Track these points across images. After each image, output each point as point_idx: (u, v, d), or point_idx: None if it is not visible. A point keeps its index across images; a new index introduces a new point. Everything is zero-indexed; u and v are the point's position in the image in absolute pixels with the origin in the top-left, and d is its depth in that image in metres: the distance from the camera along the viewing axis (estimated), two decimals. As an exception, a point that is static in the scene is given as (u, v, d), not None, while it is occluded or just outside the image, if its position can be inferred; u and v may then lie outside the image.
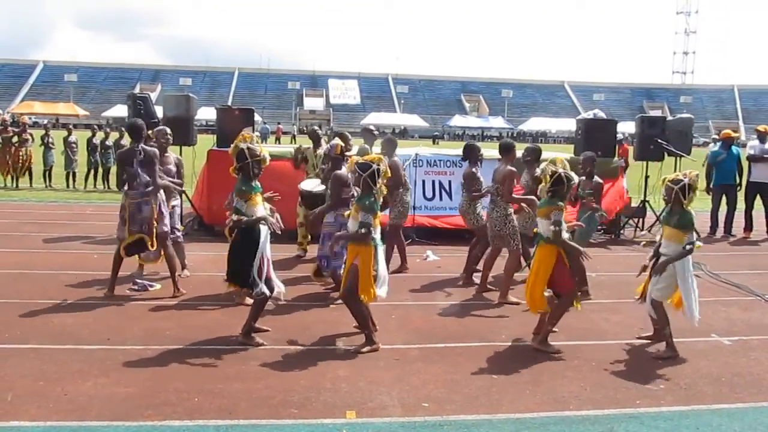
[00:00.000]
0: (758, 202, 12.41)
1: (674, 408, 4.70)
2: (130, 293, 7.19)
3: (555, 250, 5.71)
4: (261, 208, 5.74)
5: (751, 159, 12.43)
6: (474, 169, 7.95)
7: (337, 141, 7.37)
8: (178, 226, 8.10)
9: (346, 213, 5.91)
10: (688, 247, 5.63)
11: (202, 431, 4.15)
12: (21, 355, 5.30)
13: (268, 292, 5.67)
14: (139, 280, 7.51)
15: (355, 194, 6.19)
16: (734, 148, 12.51)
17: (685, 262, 5.68)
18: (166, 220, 7.19)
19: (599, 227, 11.04)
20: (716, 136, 15.75)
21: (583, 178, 7.67)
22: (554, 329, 6.01)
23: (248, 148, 5.70)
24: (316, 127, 9.44)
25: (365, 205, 5.51)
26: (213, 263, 8.03)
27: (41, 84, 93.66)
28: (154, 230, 6.98)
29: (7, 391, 4.59)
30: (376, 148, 8.86)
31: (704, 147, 43.14)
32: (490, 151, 9.27)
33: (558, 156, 6.00)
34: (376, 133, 9.56)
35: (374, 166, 5.58)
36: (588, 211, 7.69)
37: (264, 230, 5.72)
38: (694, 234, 5.81)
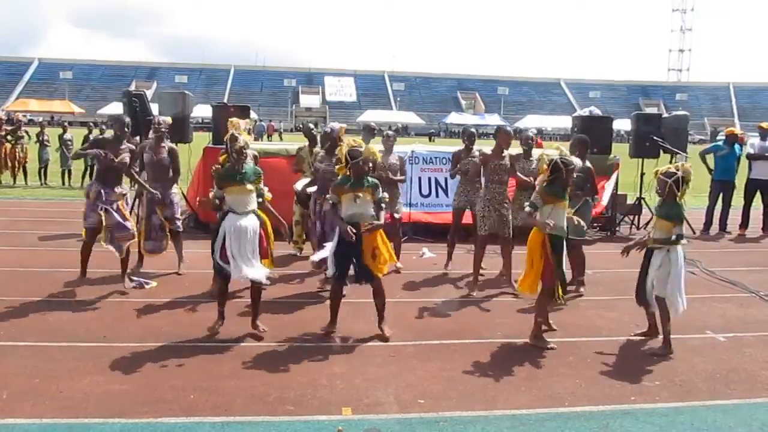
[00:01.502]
0: (756, 199, 12.44)
1: (669, 404, 4.72)
2: (129, 290, 7.19)
3: (540, 237, 5.75)
4: (237, 198, 5.72)
5: (751, 158, 12.47)
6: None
7: (339, 125, 7.48)
8: (178, 216, 8.07)
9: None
10: (674, 237, 5.65)
11: (198, 428, 4.15)
12: (16, 353, 5.30)
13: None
14: (135, 278, 7.51)
15: None
16: (737, 147, 12.57)
17: (677, 255, 5.71)
18: (115, 216, 6.93)
19: (594, 224, 11.07)
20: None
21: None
22: (554, 328, 6.07)
23: (230, 135, 5.80)
24: (311, 125, 9.40)
25: (373, 184, 5.74)
26: (208, 261, 7.97)
27: (36, 81, 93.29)
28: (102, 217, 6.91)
29: (2, 388, 4.59)
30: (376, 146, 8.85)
31: (700, 144, 43.31)
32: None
33: (555, 144, 6.03)
34: (376, 131, 9.55)
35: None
36: (580, 201, 7.58)
37: (229, 218, 5.73)
38: (683, 228, 5.81)
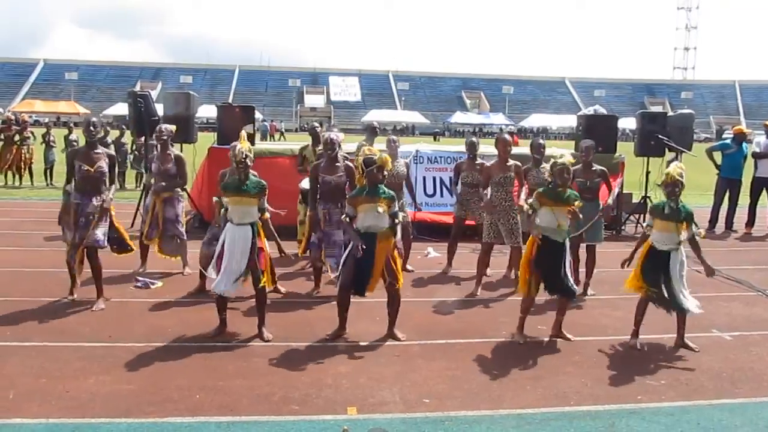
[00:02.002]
0: (763, 197, 12.40)
1: (675, 403, 4.70)
2: (134, 290, 7.21)
3: (532, 239, 5.85)
4: (237, 209, 5.67)
5: (756, 156, 12.45)
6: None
7: (341, 134, 7.41)
8: (181, 219, 8.08)
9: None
10: (697, 234, 5.73)
11: (203, 428, 4.16)
12: (23, 353, 5.31)
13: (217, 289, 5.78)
14: (140, 278, 7.53)
15: None
16: (744, 145, 12.53)
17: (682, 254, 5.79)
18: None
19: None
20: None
21: (578, 166, 7.59)
22: (569, 337, 5.99)
23: (231, 146, 5.83)
24: (315, 124, 9.41)
25: (390, 195, 5.74)
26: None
27: (42, 82, 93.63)
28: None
29: (9, 388, 4.60)
30: (379, 146, 8.85)
31: (705, 143, 43.02)
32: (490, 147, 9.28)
33: (558, 151, 6.04)
34: (378, 130, 9.56)
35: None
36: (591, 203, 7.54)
37: (228, 228, 5.71)
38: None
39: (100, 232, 6.49)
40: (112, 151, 6.60)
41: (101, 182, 6.51)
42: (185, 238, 8.05)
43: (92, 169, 6.41)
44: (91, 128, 6.51)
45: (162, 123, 8.84)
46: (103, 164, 6.49)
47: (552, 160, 5.82)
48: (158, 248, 7.91)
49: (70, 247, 6.65)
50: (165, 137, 7.82)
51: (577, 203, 5.80)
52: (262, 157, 9.97)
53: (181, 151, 10.77)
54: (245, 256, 5.66)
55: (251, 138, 10.70)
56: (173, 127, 8.12)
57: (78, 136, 18.22)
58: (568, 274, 5.83)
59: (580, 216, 5.93)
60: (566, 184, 5.80)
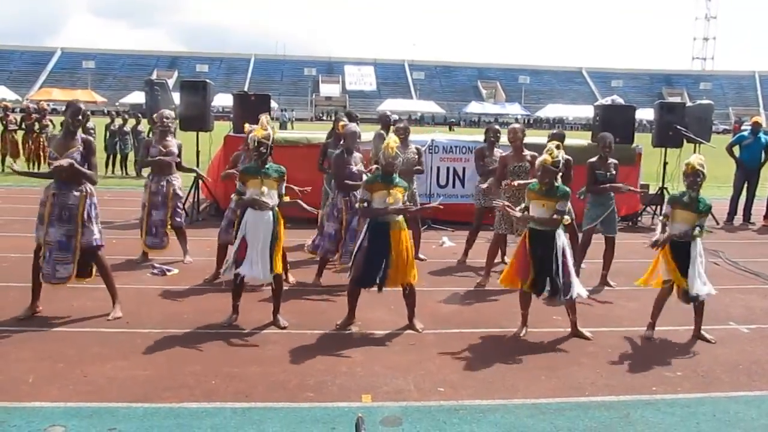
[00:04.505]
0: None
1: (691, 395, 4.68)
2: (150, 277, 7.27)
3: (525, 232, 5.85)
4: (255, 191, 5.61)
5: None
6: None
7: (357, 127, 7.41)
8: (180, 209, 8.15)
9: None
10: (701, 227, 5.62)
11: (219, 413, 4.19)
12: (41, 338, 5.38)
13: (227, 274, 5.78)
14: (157, 265, 7.59)
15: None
16: (762, 136, 12.39)
17: (699, 244, 5.71)
18: (57, 234, 5.71)
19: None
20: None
21: (596, 158, 7.56)
22: (588, 336, 5.83)
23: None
24: (341, 114, 9.33)
25: (405, 185, 5.77)
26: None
27: (59, 71, 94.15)
28: None
29: (28, 372, 4.66)
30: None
31: (724, 134, 42.62)
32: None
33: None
34: (391, 119, 9.53)
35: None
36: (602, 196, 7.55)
37: (248, 214, 5.67)
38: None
39: (96, 230, 5.84)
40: (90, 137, 5.87)
41: (75, 171, 5.64)
42: (183, 225, 8.14)
43: (60, 157, 5.62)
44: (79, 117, 5.72)
45: (173, 111, 8.89)
46: (75, 152, 5.66)
47: (542, 157, 5.71)
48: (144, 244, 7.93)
49: (37, 247, 5.79)
50: (168, 124, 7.89)
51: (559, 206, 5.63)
52: (278, 146, 9.97)
53: (197, 139, 10.89)
54: (268, 242, 5.62)
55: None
56: (171, 113, 8.22)
57: (95, 124, 18.50)
58: (560, 270, 5.59)
59: (568, 217, 5.84)
60: (551, 179, 5.65)
